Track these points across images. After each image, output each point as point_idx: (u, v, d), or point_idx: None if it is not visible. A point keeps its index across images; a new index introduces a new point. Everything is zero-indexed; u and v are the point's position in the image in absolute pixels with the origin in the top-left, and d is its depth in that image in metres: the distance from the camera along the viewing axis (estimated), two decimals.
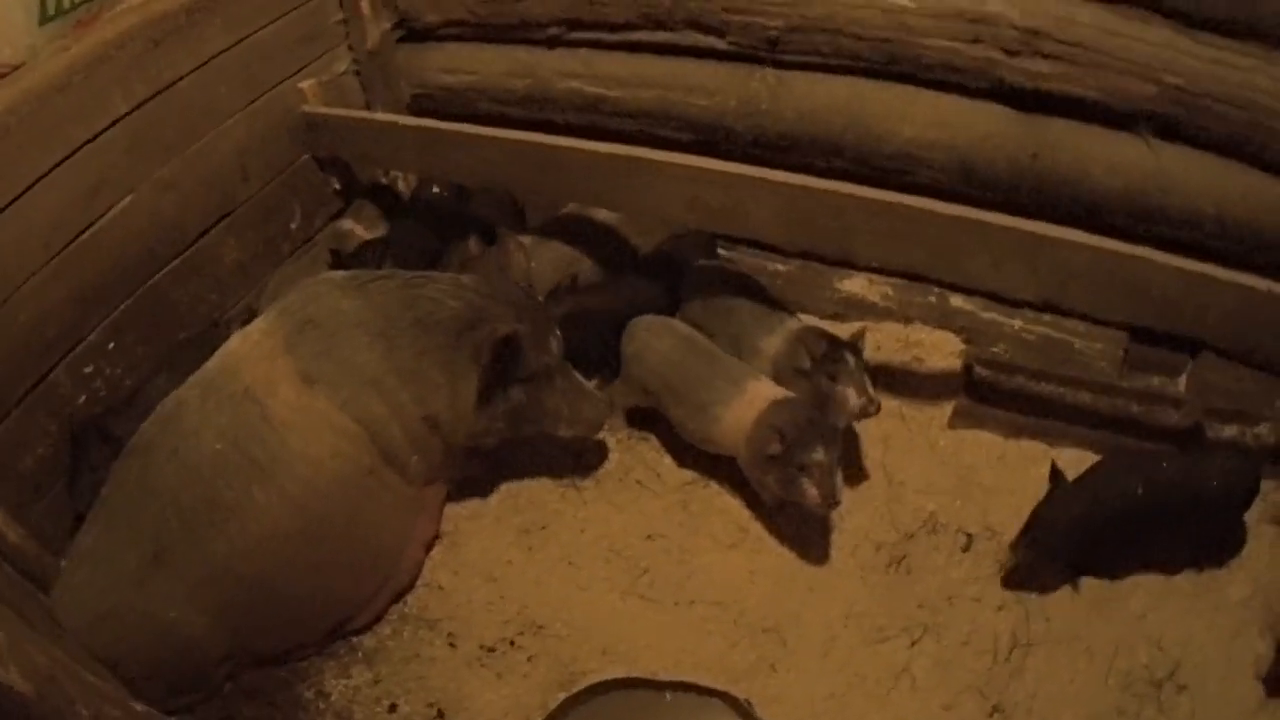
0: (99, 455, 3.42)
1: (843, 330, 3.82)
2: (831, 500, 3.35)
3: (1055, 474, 3.38)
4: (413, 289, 3.41)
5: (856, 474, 3.79)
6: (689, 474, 3.88)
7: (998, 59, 3.64)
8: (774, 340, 3.81)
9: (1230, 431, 3.64)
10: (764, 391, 3.55)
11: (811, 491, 3.35)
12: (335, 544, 3.27)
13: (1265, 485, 3.41)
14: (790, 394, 3.57)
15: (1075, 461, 3.59)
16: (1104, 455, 3.54)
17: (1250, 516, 3.43)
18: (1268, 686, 3.09)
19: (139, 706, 2.29)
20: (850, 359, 3.58)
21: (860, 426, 3.77)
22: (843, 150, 4.06)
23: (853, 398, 3.54)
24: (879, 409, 3.57)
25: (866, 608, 3.43)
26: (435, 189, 4.67)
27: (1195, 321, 3.30)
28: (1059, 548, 3.34)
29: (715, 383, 3.61)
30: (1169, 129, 3.56)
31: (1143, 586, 3.39)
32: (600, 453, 3.98)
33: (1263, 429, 3.60)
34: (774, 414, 3.44)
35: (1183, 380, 3.86)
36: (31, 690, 1.96)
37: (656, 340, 3.81)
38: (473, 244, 4.43)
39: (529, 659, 3.36)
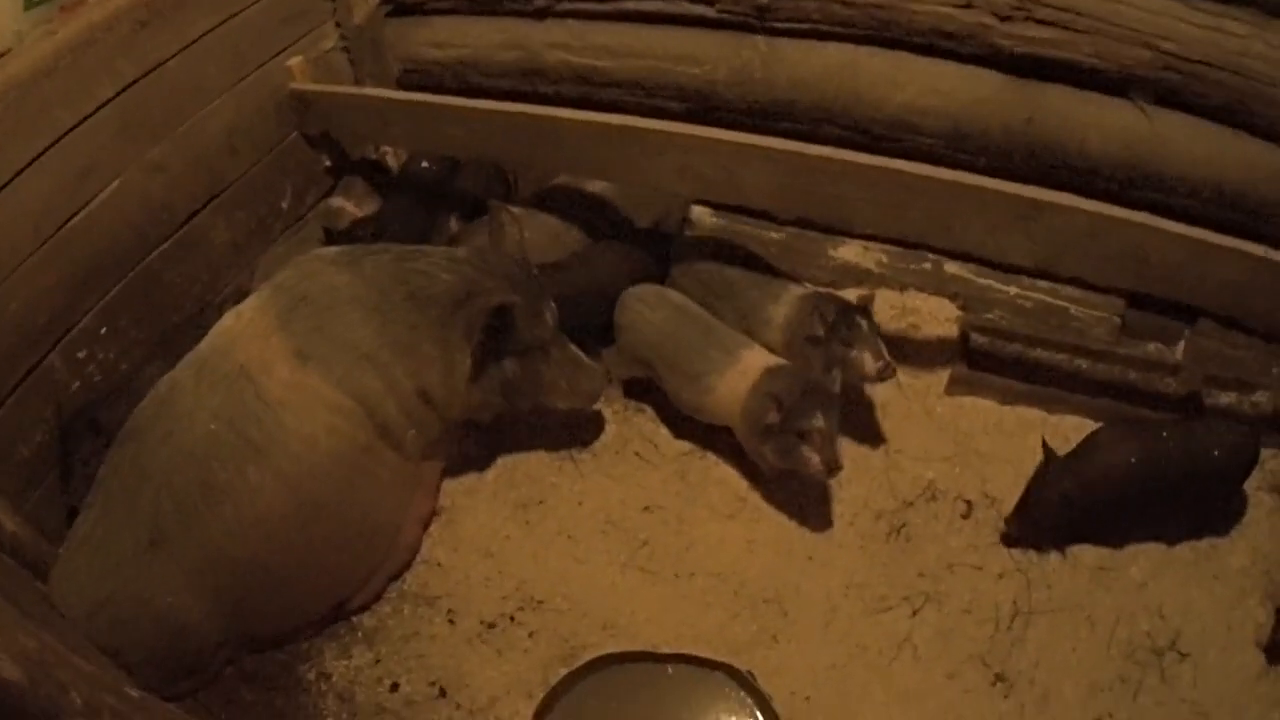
0: (89, 448, 3.42)
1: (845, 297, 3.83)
2: (834, 466, 3.35)
3: (1046, 450, 3.37)
4: (406, 263, 3.40)
5: (854, 442, 3.78)
6: (686, 445, 3.87)
7: (990, 24, 3.63)
8: (781, 309, 3.80)
9: (1228, 399, 3.64)
10: (758, 360, 3.55)
11: (813, 459, 3.34)
12: (332, 523, 3.26)
13: (1264, 454, 3.43)
14: (784, 361, 3.58)
15: (1074, 428, 3.60)
16: (1101, 424, 3.54)
17: (1250, 485, 3.45)
18: (1268, 654, 3.11)
19: (134, 692, 2.27)
20: (863, 323, 3.57)
21: (856, 393, 3.76)
22: (835, 117, 4.05)
23: (869, 362, 3.54)
24: (895, 372, 3.57)
25: (867, 577, 3.43)
26: (424, 164, 4.63)
27: (1193, 288, 3.31)
28: (1051, 524, 3.36)
29: (709, 352, 3.60)
30: (1164, 95, 3.56)
31: (1143, 555, 3.39)
32: (596, 425, 3.97)
33: (1260, 397, 3.59)
34: (769, 382, 3.43)
35: (1180, 347, 3.86)
36: (22, 676, 1.94)
37: (650, 310, 3.80)
38: (453, 223, 4.43)
39: (529, 634, 3.36)
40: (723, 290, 3.93)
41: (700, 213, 4.43)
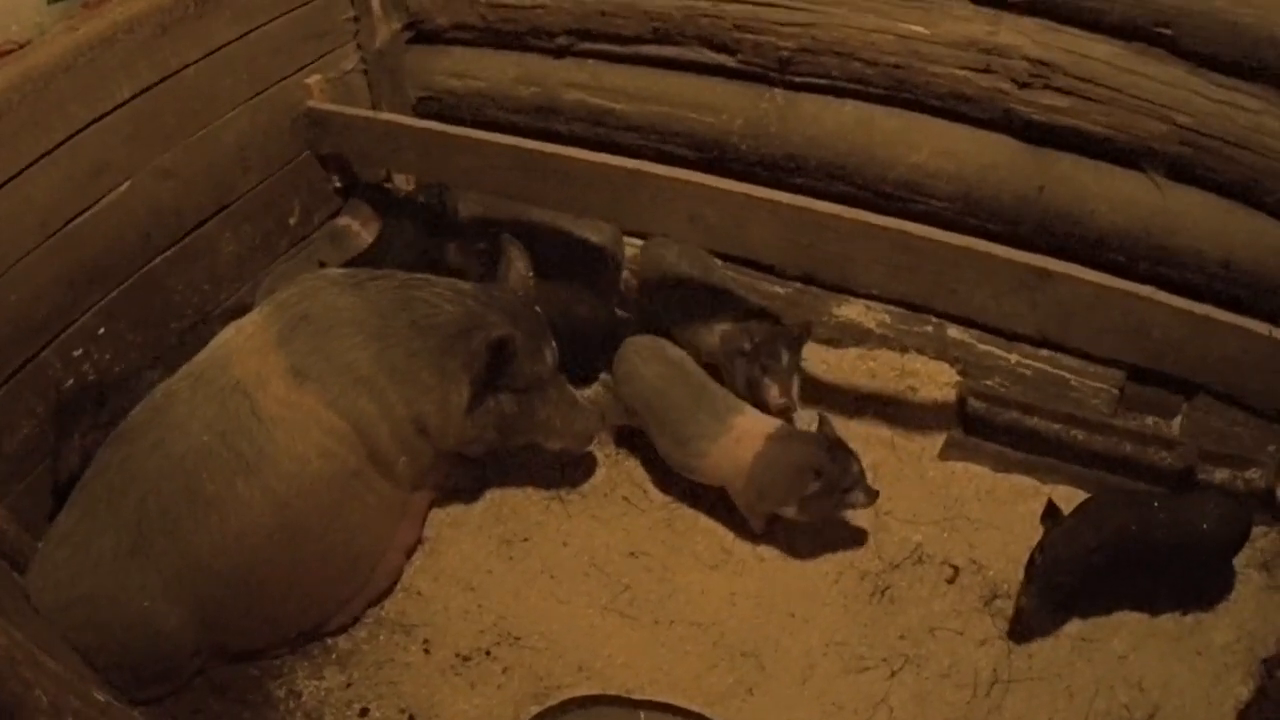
0: (90, 420, 3.42)
1: (835, 355, 3.88)
2: (875, 495, 3.49)
3: (1054, 512, 3.29)
4: (410, 290, 3.41)
5: None
6: (675, 493, 3.86)
7: (1008, 90, 3.64)
8: (725, 319, 3.90)
9: (1222, 475, 3.62)
10: (754, 427, 3.55)
11: (860, 499, 3.47)
12: (315, 544, 3.26)
13: (1255, 531, 3.39)
14: (779, 423, 3.59)
15: (1065, 499, 3.56)
16: (1094, 494, 3.52)
17: (1239, 561, 3.42)
18: None
19: (100, 696, 2.26)
20: (785, 355, 3.69)
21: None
22: (847, 175, 4.06)
23: (774, 395, 3.67)
24: (795, 410, 3.71)
25: (847, 636, 3.40)
26: (422, 198, 4.64)
27: (1194, 363, 3.31)
28: (1069, 587, 3.26)
29: (699, 416, 3.60)
30: (1177, 169, 3.57)
31: (1126, 627, 3.37)
32: (587, 466, 3.96)
33: (1255, 474, 3.58)
34: (783, 452, 3.46)
35: (1177, 422, 3.86)
36: None
37: (644, 365, 3.79)
38: (452, 251, 4.44)
39: (503, 670, 3.34)
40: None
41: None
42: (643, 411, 3.74)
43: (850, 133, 4.01)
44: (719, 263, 4.15)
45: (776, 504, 3.50)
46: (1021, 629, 3.36)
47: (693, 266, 4.07)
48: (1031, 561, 3.26)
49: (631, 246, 4.53)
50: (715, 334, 3.88)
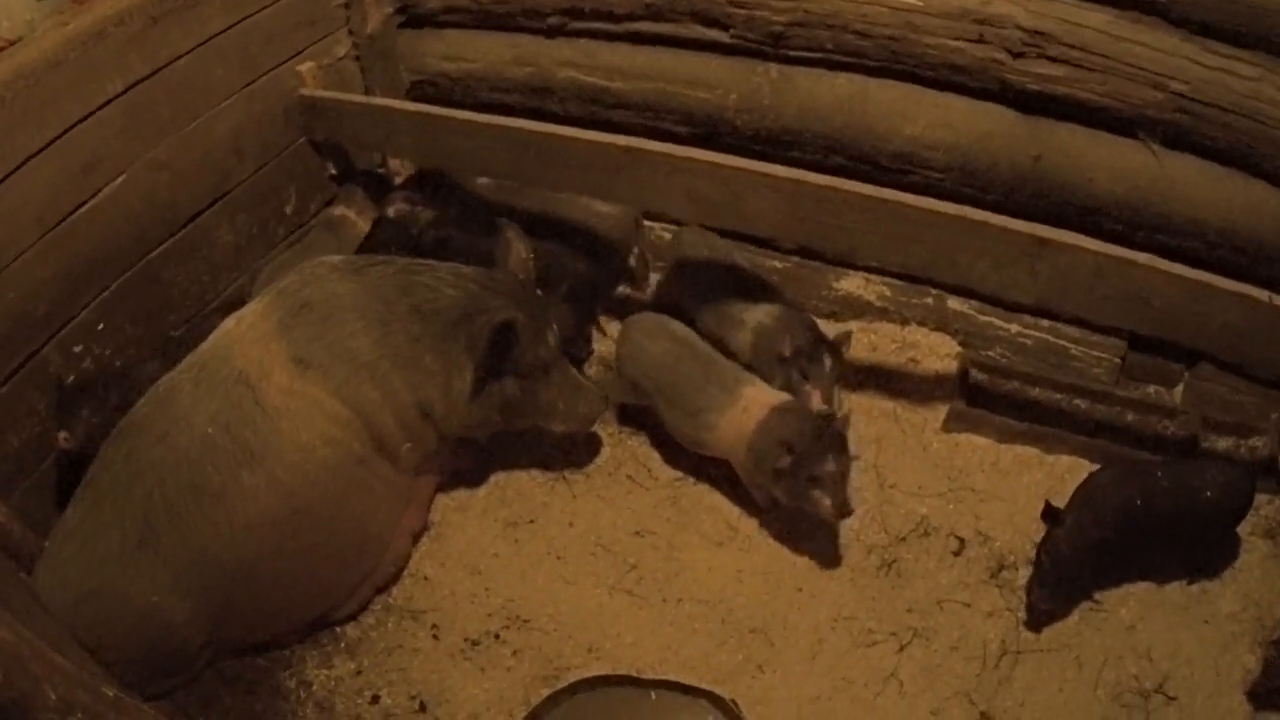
0: (96, 403, 3.40)
1: (834, 330, 3.83)
2: (845, 510, 3.35)
3: (1053, 512, 3.27)
4: (411, 275, 3.40)
5: None
6: (679, 470, 3.86)
7: (1002, 60, 3.63)
8: (756, 314, 3.87)
9: (1225, 443, 3.63)
10: (761, 397, 3.54)
11: (825, 502, 3.35)
12: (322, 532, 3.25)
13: (1259, 499, 3.41)
14: (788, 397, 3.57)
15: (1070, 468, 3.59)
16: (1097, 466, 3.51)
17: (1243, 529, 3.43)
18: (1251, 699, 3.09)
19: (110, 691, 2.25)
20: (827, 360, 3.64)
21: (853, 427, 3.71)
22: (843, 147, 4.05)
23: (816, 401, 3.61)
24: (844, 421, 3.56)
25: (855, 610, 3.41)
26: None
27: (1195, 331, 3.29)
28: (1079, 579, 3.29)
29: (708, 389, 3.59)
30: (1173, 137, 3.56)
31: (1133, 597, 3.38)
32: (591, 447, 3.96)
33: (1258, 441, 3.58)
34: (779, 425, 3.43)
35: (1179, 391, 3.86)
36: None
37: (650, 342, 3.79)
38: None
39: (513, 653, 3.35)
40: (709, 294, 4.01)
41: None
42: (650, 388, 3.74)
43: (845, 106, 3.99)
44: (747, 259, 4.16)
45: (765, 475, 3.48)
46: (1036, 621, 3.35)
47: (724, 260, 4.07)
48: (1038, 560, 3.28)
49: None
50: (746, 329, 3.87)
